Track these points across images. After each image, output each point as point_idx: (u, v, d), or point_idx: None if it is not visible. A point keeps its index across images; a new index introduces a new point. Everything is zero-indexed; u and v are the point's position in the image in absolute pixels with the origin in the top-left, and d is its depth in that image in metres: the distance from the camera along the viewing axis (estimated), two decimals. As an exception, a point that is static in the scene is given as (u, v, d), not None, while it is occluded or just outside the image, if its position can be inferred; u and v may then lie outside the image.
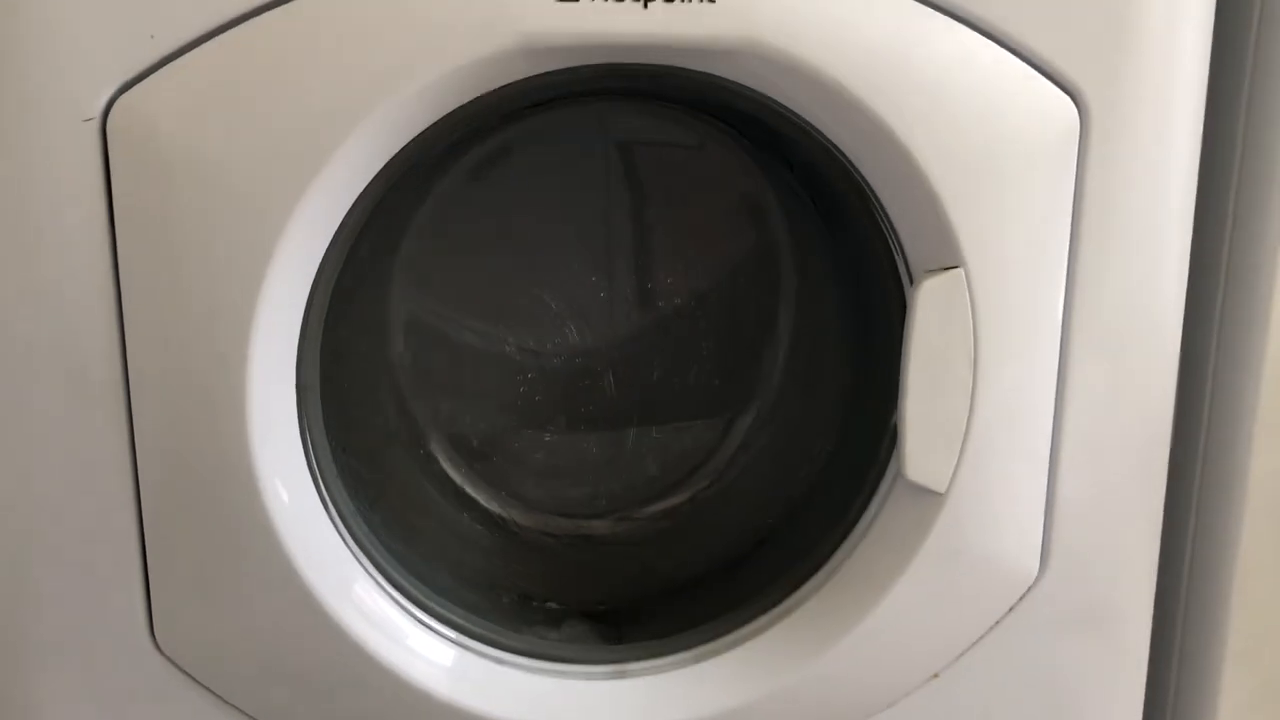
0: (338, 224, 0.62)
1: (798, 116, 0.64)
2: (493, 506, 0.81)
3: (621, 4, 0.58)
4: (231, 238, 0.59)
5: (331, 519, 0.67)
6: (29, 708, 0.68)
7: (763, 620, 0.73)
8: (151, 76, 0.57)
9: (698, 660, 0.73)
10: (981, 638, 0.73)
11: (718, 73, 0.62)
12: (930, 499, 0.68)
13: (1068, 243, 0.66)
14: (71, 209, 0.59)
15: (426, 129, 0.61)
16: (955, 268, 0.64)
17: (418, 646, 0.68)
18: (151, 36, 0.57)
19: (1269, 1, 0.70)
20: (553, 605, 0.78)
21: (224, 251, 0.59)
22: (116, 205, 0.59)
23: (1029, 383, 0.68)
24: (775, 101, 0.63)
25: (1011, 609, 0.73)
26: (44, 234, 0.59)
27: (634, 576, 0.81)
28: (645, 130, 0.76)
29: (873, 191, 0.66)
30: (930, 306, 0.65)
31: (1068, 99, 0.64)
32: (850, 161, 0.65)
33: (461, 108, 0.60)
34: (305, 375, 0.65)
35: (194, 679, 0.67)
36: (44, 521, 0.64)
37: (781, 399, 0.82)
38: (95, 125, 0.58)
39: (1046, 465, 0.70)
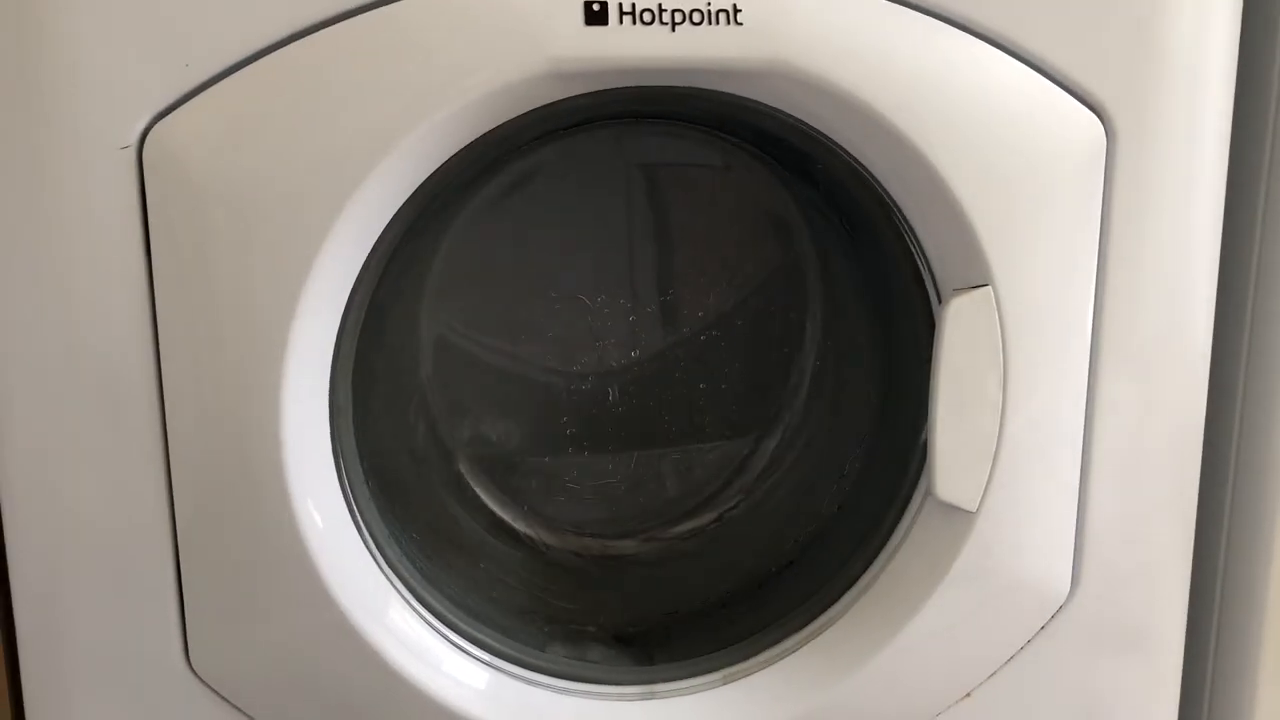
0: (369, 248, 0.62)
1: (824, 136, 0.64)
2: (522, 528, 0.82)
3: (650, 27, 0.59)
4: (265, 262, 0.59)
5: (365, 542, 0.67)
6: (65, 731, 0.68)
7: (793, 640, 0.73)
8: (186, 105, 0.58)
9: (727, 681, 0.73)
10: (1013, 657, 0.73)
11: (745, 94, 0.62)
12: (960, 517, 0.68)
13: (1096, 260, 0.66)
14: (108, 235, 0.59)
15: (457, 153, 0.61)
16: (984, 286, 0.64)
17: (452, 669, 0.68)
18: (186, 66, 0.58)
19: (1295, 17, 0.70)
20: (583, 628, 0.78)
21: (258, 276, 0.59)
22: (152, 231, 0.59)
23: (1059, 401, 0.68)
24: (802, 121, 0.63)
25: (1043, 628, 0.72)
26: (81, 260, 0.60)
27: (663, 597, 0.81)
28: (672, 151, 0.77)
29: (900, 210, 0.66)
30: (959, 325, 0.65)
31: (1094, 117, 0.64)
32: (877, 180, 0.65)
33: (492, 131, 0.61)
34: (338, 398, 0.65)
35: (229, 702, 0.67)
36: (80, 547, 0.64)
37: (809, 418, 0.82)
38: (131, 153, 0.58)
39: (1077, 484, 0.70)
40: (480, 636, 0.71)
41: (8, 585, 0.65)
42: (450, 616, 0.70)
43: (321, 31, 0.58)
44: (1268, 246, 0.74)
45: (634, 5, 0.59)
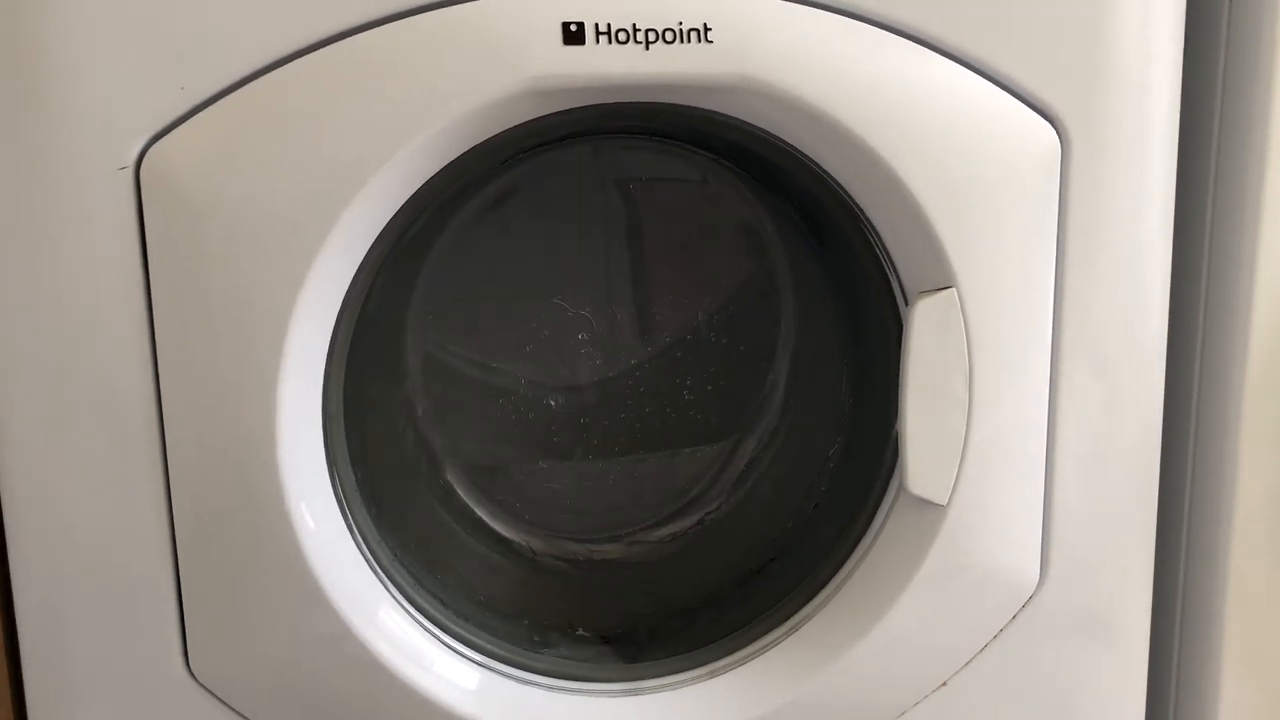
0: (358, 264, 0.64)
1: (793, 148, 0.66)
2: (509, 533, 0.83)
3: (625, 46, 0.61)
4: (259, 278, 0.61)
5: (357, 545, 0.69)
6: (65, 739, 0.69)
7: (773, 635, 0.75)
8: (182, 126, 0.60)
9: (711, 676, 0.74)
10: (987, 645, 0.75)
11: (716, 109, 0.65)
12: (932, 511, 0.71)
13: (1054, 261, 0.69)
14: (107, 253, 0.61)
15: (442, 169, 0.63)
16: (948, 288, 0.67)
17: (443, 670, 0.70)
18: (182, 88, 0.60)
19: (1235, 25, 0.73)
20: (571, 628, 0.79)
21: (252, 291, 0.61)
22: (150, 249, 0.61)
23: (1023, 396, 0.70)
24: (772, 135, 0.66)
25: (1014, 617, 0.74)
26: (80, 278, 0.61)
27: (648, 598, 0.82)
28: (647, 166, 0.79)
29: (866, 218, 0.69)
30: (925, 325, 0.68)
31: (1048, 125, 0.67)
32: (844, 189, 0.68)
33: (474, 149, 0.63)
34: (330, 406, 0.67)
35: (228, 706, 0.68)
36: (81, 555, 0.65)
37: (785, 420, 0.84)
38: (129, 173, 0.60)
39: (1043, 476, 0.72)
40: (471, 638, 0.72)
41: (10, 593, 0.66)
42: (441, 618, 0.71)
43: (311, 55, 0.60)
44: (1217, 245, 0.76)
45: (610, 25, 0.61)
